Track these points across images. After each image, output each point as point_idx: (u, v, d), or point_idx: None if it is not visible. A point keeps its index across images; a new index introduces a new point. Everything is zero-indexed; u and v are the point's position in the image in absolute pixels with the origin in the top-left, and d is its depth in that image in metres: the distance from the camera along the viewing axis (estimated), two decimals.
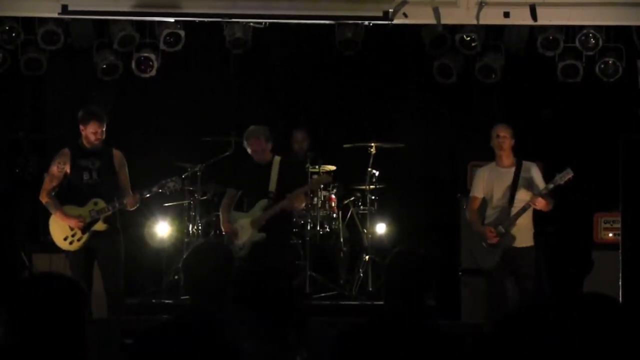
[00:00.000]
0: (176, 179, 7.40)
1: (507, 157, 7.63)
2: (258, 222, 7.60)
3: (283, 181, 7.67)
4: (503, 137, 7.59)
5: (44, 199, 7.23)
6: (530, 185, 7.54)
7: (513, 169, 7.59)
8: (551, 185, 7.41)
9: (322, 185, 8.61)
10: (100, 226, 7.17)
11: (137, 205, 7.29)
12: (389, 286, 3.91)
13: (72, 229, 7.16)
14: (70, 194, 7.27)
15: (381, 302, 8.25)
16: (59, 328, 2.78)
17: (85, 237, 7.16)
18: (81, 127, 7.20)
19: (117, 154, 7.35)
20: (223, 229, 7.77)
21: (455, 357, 3.63)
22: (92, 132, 7.16)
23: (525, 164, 7.63)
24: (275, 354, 3.24)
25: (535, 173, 7.60)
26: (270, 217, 7.64)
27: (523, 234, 7.52)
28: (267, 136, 7.65)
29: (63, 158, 7.25)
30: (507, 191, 7.55)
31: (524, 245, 7.50)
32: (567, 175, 7.38)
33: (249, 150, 7.72)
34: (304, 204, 8.14)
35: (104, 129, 7.21)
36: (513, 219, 7.48)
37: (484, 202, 7.72)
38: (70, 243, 7.18)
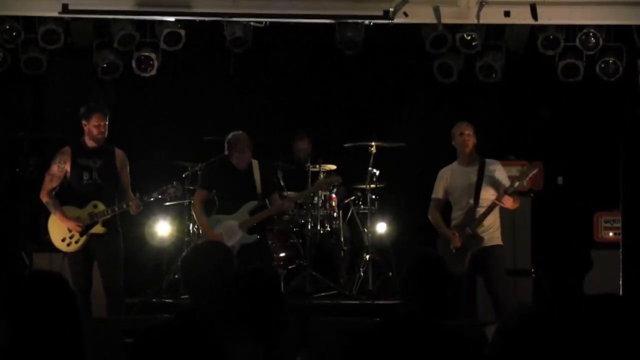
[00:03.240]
0: (177, 184, 7.35)
1: (470, 156, 7.43)
2: (248, 224, 7.56)
3: (264, 184, 7.65)
4: (467, 135, 7.40)
5: (44, 198, 7.19)
6: (495, 183, 7.35)
7: (476, 168, 7.39)
8: (517, 183, 7.23)
9: (332, 186, 8.61)
10: (98, 229, 7.12)
11: (140, 210, 7.26)
12: (407, 288, 3.89)
13: (70, 231, 7.13)
14: (70, 194, 7.23)
15: (381, 302, 8.29)
16: (53, 326, 2.77)
17: (82, 239, 7.12)
18: (84, 122, 7.14)
19: (119, 153, 7.31)
20: (208, 235, 7.56)
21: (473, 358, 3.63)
22: (95, 126, 7.10)
23: (489, 161, 7.44)
24: (270, 355, 3.23)
25: (499, 171, 7.42)
26: (262, 219, 7.63)
27: (490, 233, 7.33)
28: (251, 145, 7.62)
29: (63, 157, 7.20)
30: (471, 191, 7.35)
31: (490, 244, 7.31)
32: (533, 170, 7.27)
33: (232, 154, 7.59)
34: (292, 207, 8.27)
35: (107, 124, 7.17)
36: (479, 219, 7.28)
37: (450, 204, 7.55)
38: (68, 245, 7.14)
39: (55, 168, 7.20)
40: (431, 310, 3.75)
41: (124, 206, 7.13)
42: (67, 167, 7.17)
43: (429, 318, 3.70)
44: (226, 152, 7.61)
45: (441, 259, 3.97)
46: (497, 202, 7.24)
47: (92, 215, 7.11)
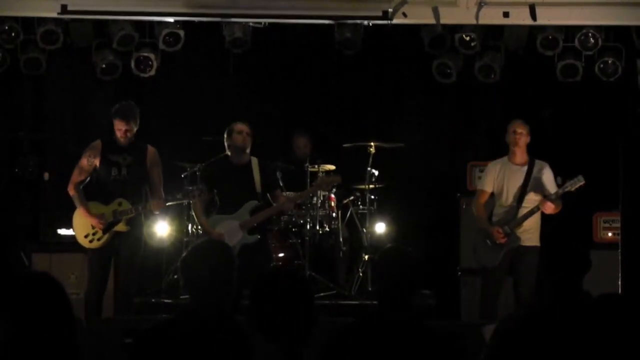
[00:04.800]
0: (202, 186, 7.34)
1: (521, 155, 7.56)
2: (249, 224, 7.55)
3: (264, 182, 7.65)
4: (519, 134, 7.51)
5: (70, 191, 7.15)
6: (540, 186, 7.46)
7: (525, 168, 7.51)
8: (561, 192, 7.37)
9: (331, 186, 8.61)
10: (121, 227, 7.11)
11: (161, 210, 7.26)
12: (377, 285, 3.91)
13: (93, 227, 7.11)
14: (97, 190, 7.20)
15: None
16: (44, 327, 2.77)
17: (105, 237, 7.10)
18: (114, 120, 7.18)
19: (151, 151, 7.30)
20: (209, 235, 7.45)
21: (446, 355, 3.64)
22: (117, 129, 7.14)
23: (538, 163, 7.55)
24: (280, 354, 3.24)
25: (547, 174, 7.52)
26: (262, 219, 7.63)
27: (529, 233, 7.45)
28: (251, 131, 7.60)
29: (93, 151, 7.18)
30: (517, 191, 7.46)
31: (528, 244, 7.43)
32: (579, 182, 7.33)
33: (232, 137, 7.54)
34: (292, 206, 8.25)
35: (132, 128, 7.16)
36: (520, 220, 7.41)
37: (492, 198, 7.66)
38: (91, 241, 7.13)
39: (84, 161, 7.18)
40: (401, 308, 3.74)
41: (147, 205, 7.11)
42: (97, 162, 7.15)
43: (399, 316, 3.70)
44: (225, 138, 7.59)
45: (411, 256, 3.92)
46: (540, 206, 7.36)
47: (116, 213, 7.09)
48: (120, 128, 7.11)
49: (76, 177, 7.17)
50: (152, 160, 7.27)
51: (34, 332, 2.75)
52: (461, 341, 3.67)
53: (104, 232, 7.08)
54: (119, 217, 7.09)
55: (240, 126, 7.55)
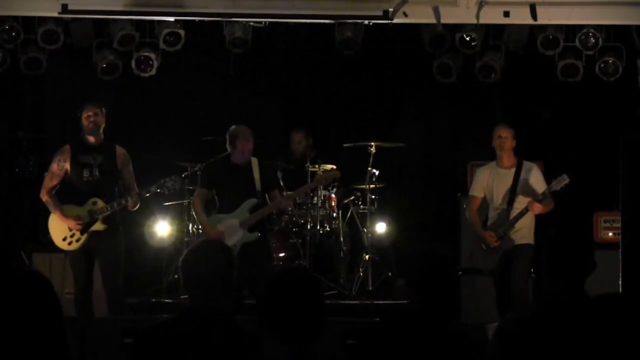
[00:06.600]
0: (175, 177, 7.32)
1: (507, 158, 7.62)
2: (248, 222, 7.54)
3: (264, 181, 7.64)
4: (504, 138, 7.57)
5: (44, 197, 7.17)
6: (529, 187, 7.51)
7: (513, 170, 7.57)
8: (547, 192, 7.42)
9: (330, 182, 8.60)
10: (98, 226, 7.11)
11: (138, 205, 7.26)
12: (417, 286, 3.86)
13: (70, 230, 7.12)
14: (70, 193, 7.21)
15: (381, 302, 8.31)
16: (33, 326, 2.76)
17: (83, 238, 7.11)
18: (81, 117, 7.16)
19: (120, 150, 7.30)
20: (209, 234, 7.41)
21: (458, 353, 3.63)
22: (85, 117, 7.12)
23: (526, 164, 7.61)
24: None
25: (535, 175, 7.57)
26: (262, 217, 7.63)
27: (522, 232, 7.50)
28: (253, 137, 7.58)
29: (63, 155, 7.19)
30: (506, 193, 7.54)
31: (521, 242, 7.49)
32: (563, 181, 7.39)
33: (234, 148, 7.48)
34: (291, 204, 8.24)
35: (99, 114, 7.14)
36: (512, 222, 7.47)
37: (485, 203, 7.72)
38: (69, 244, 7.13)
39: (55, 167, 7.19)
40: (440, 310, 3.72)
41: (123, 202, 7.11)
42: (67, 166, 7.15)
43: (436, 317, 3.68)
44: (227, 144, 7.56)
45: (449, 258, 3.91)
46: (528, 207, 7.42)
47: (92, 213, 7.10)
48: (88, 114, 7.10)
49: (48, 182, 7.18)
50: (123, 161, 7.27)
51: (20, 330, 2.74)
52: (472, 339, 3.64)
53: (82, 232, 7.09)
54: (95, 217, 7.09)
55: (244, 142, 7.44)
